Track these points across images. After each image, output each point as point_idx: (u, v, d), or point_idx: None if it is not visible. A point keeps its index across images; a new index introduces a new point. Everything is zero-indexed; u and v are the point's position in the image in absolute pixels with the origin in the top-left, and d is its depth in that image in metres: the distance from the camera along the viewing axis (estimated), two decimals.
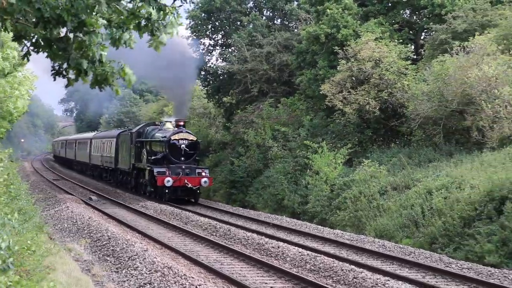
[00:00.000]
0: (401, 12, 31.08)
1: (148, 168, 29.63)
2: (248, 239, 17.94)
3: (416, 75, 25.92)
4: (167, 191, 28.16)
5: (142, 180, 31.54)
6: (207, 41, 42.42)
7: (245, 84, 38.09)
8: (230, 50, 41.18)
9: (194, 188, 28.43)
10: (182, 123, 30.05)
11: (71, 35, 6.43)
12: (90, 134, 53.62)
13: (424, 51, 28.51)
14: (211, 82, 42.06)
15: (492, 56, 21.76)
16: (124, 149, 35.61)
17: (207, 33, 41.43)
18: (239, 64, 37.88)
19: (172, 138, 28.88)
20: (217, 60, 43.52)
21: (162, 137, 29.62)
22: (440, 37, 25.82)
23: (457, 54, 22.77)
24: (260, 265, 14.68)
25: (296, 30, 39.27)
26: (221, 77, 41.56)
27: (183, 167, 28.51)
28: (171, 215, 24.36)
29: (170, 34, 6.57)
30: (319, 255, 15.10)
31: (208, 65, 42.09)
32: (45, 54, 6.86)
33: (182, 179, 28.01)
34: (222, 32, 42.31)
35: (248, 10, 41.40)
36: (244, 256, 15.66)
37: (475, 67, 21.47)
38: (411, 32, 30.93)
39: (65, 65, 6.86)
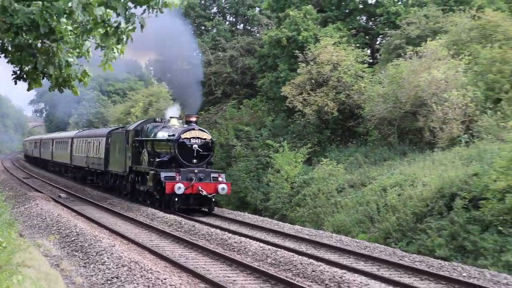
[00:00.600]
0: (358, 18, 31.69)
1: (152, 172, 24.73)
2: (212, 235, 17.97)
3: (372, 78, 26.43)
4: (176, 199, 23.47)
5: (142, 186, 26.81)
6: None
7: (209, 86, 38.48)
8: (194, 54, 41.60)
9: (209, 196, 23.58)
10: (194, 119, 25.10)
11: (38, 42, 6.97)
12: (71, 133, 48.06)
13: (379, 55, 29.20)
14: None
15: (443, 61, 22.23)
16: (118, 149, 30.83)
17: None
18: (203, 67, 38.33)
19: (183, 136, 24.07)
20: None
21: (169, 136, 24.69)
22: (395, 42, 26.47)
23: (410, 58, 23.27)
24: (223, 259, 14.75)
25: (258, 34, 40.02)
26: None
27: (196, 171, 23.66)
28: (137, 211, 24.21)
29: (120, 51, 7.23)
30: (279, 249, 15.21)
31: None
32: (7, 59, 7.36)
33: (195, 185, 23.20)
34: None
35: (212, 15, 41.88)
36: (208, 251, 15.71)
37: (426, 71, 21.96)
38: (367, 37, 31.58)
39: (26, 69, 7.38)
